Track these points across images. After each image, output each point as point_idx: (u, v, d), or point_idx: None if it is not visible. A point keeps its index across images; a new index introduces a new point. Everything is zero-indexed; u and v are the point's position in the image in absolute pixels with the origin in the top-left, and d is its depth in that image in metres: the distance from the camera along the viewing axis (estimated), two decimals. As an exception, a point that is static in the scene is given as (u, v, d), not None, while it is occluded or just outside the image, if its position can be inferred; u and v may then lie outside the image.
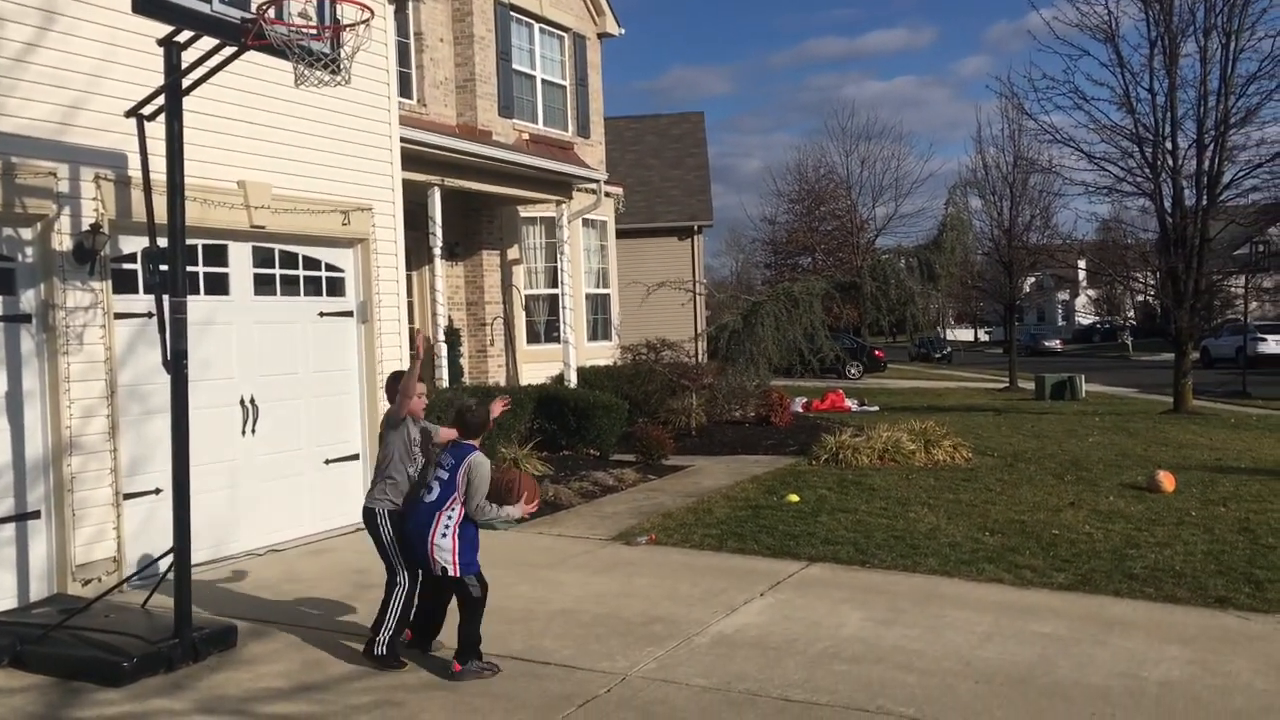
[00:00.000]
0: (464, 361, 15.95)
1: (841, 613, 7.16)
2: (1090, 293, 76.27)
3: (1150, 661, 6.15)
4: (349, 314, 10.09)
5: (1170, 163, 20.64)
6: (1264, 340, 41.29)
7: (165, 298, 6.53)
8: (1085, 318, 79.40)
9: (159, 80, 6.64)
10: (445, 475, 5.94)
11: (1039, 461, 13.84)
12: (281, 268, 9.47)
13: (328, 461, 9.79)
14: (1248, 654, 6.29)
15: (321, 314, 9.84)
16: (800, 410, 21.10)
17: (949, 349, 60.23)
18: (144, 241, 7.17)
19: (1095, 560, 8.41)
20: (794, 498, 11.06)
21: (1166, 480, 11.48)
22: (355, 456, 10.07)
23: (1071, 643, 6.48)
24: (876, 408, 22.93)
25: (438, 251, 14.03)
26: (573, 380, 16.17)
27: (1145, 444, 15.81)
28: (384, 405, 10.11)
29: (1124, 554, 8.59)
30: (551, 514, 10.54)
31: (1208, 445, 15.67)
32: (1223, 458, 14.25)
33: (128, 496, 7.93)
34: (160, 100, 6.60)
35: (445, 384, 13.93)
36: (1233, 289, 36.32)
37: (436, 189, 13.81)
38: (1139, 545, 8.89)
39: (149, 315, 7.71)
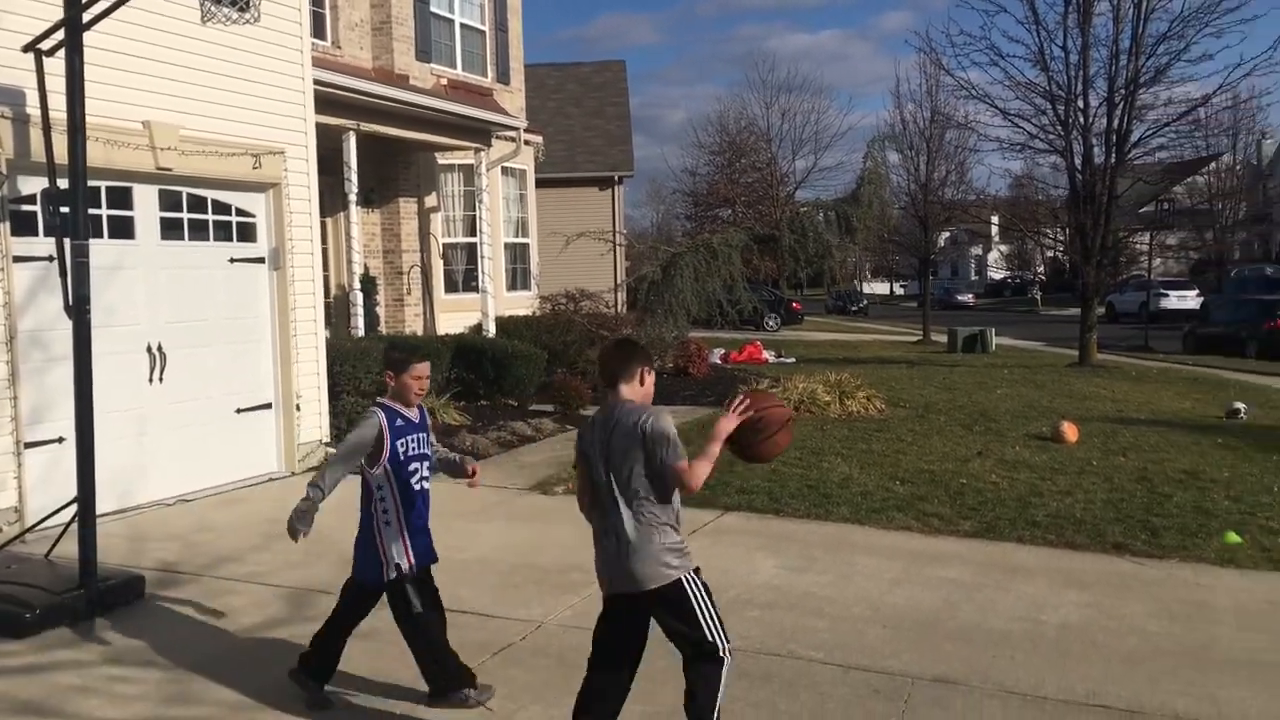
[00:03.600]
0: (380, 310, 15.75)
1: (755, 560, 7.28)
2: (1002, 248, 77.80)
3: (1050, 606, 6.37)
4: (260, 260, 9.87)
5: (1081, 120, 21.08)
6: (1166, 296, 42.69)
7: (66, 241, 6.31)
8: (997, 273, 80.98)
9: (59, 14, 6.37)
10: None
11: (949, 412, 14.16)
12: (190, 212, 9.22)
13: (239, 410, 9.61)
14: (1142, 598, 6.54)
15: (232, 260, 9.61)
16: (718, 361, 21.27)
17: (865, 302, 61.19)
18: (44, 182, 6.91)
19: (1000, 508, 8.66)
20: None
21: (1070, 431, 11.84)
22: (268, 405, 9.91)
23: (975, 588, 6.68)
24: (793, 359, 23.20)
25: (353, 198, 13.78)
26: (491, 330, 16.08)
27: (1051, 396, 16.26)
28: (300, 354, 10.00)
29: (1028, 502, 8.85)
30: (469, 464, 10.49)
31: (1110, 397, 16.17)
32: (1124, 409, 14.72)
33: (29, 445, 7.71)
34: (60, 35, 6.34)
35: (360, 333, 13.75)
36: (1138, 245, 37.38)
37: (352, 134, 13.53)
38: (1042, 494, 9.17)
39: (50, 259, 7.46)
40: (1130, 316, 40.51)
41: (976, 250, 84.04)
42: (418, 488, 4.88)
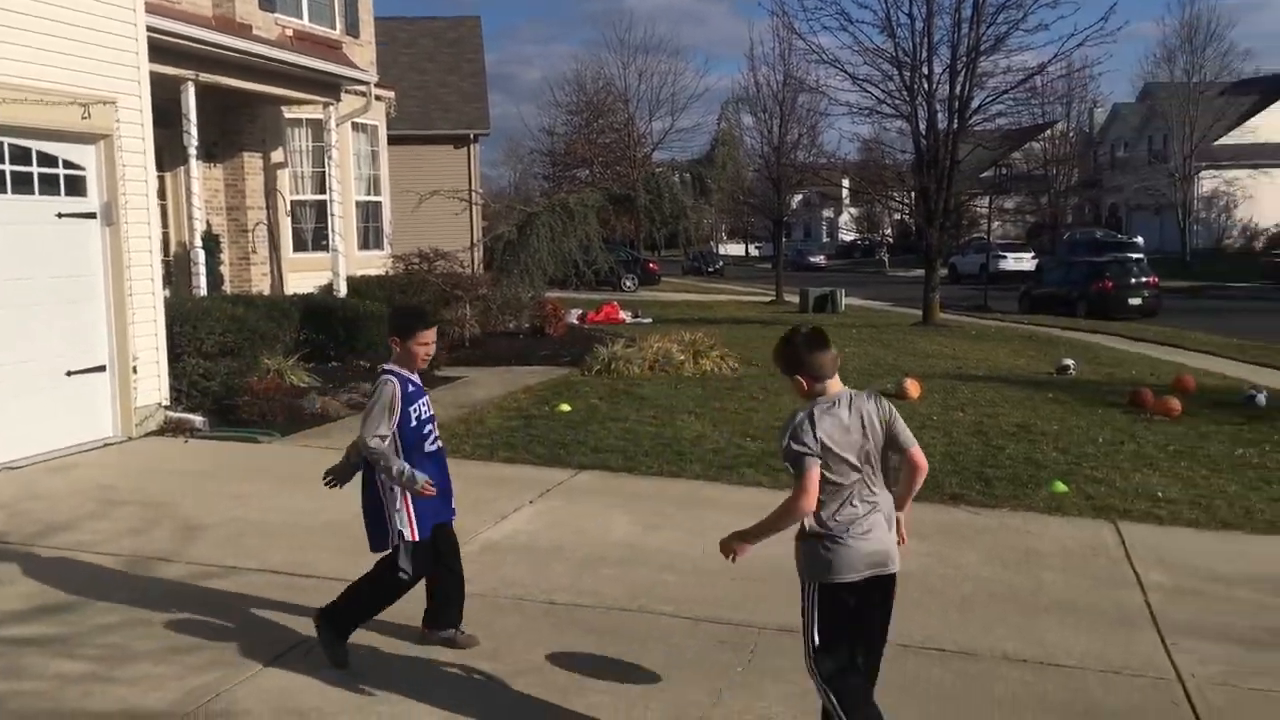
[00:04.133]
0: (224, 269, 15.20)
1: (609, 518, 7.35)
2: (852, 211, 79.87)
3: (891, 555, 6.59)
4: (91, 216, 9.39)
5: (926, 86, 21.71)
6: (1004, 258, 44.57)
7: None
8: (848, 235, 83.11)
9: None
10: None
11: (800, 371, 14.46)
12: (12, 164, 8.69)
13: (71, 373, 9.16)
14: (976, 546, 6.86)
15: (60, 215, 9.11)
16: (575, 322, 21.26)
17: (721, 263, 61.96)
18: None
19: (846, 463, 8.91)
20: (565, 407, 11.19)
21: (913, 387, 12.28)
22: (101, 368, 9.46)
23: (822, 540, 6.87)
24: (650, 320, 23.37)
25: (193, 152, 13.21)
26: (342, 290, 15.69)
27: (896, 354, 16.82)
28: (136, 314, 9.58)
29: (872, 457, 9.13)
30: (319, 426, 10.27)
31: (950, 355, 16.82)
32: (963, 366, 15.33)
33: None
34: None
35: (203, 292, 13.25)
36: (978, 209, 38.82)
37: (190, 84, 12.95)
38: (886, 448, 9.48)
39: None
40: (971, 278, 42.10)
41: (828, 212, 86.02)
42: (432, 449, 4.90)
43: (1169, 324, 23.99)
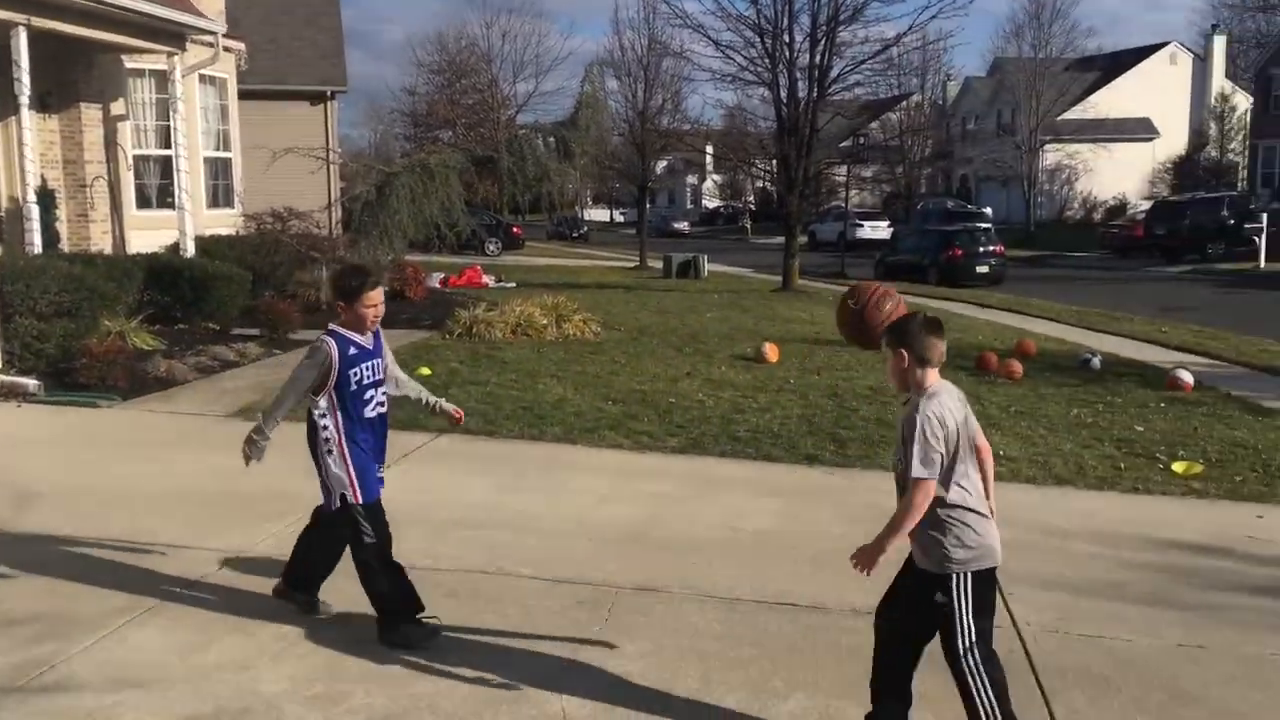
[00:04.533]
0: (61, 226, 14.42)
1: (468, 482, 7.29)
2: (716, 177, 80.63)
3: (748, 514, 6.73)
4: (-89, 166, 8.79)
5: (787, 54, 22.03)
6: (861, 226, 45.61)
7: None
8: (711, 201, 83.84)
9: None
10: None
11: (661, 335, 14.61)
12: None
13: (-111, 335, 8.59)
14: (830, 504, 7.04)
15: (-126, 165, 8.50)
16: (437, 286, 20.97)
17: (585, 228, 61.83)
18: None
19: (706, 425, 9.05)
20: (425, 371, 11.02)
21: (771, 352, 12.50)
22: (-75, 329, 8.90)
23: (680, 500, 6.97)
24: (513, 284, 23.20)
25: (25, 101, 12.42)
26: (190, 250, 15.06)
27: (756, 319, 17.09)
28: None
29: (731, 419, 9.30)
30: (164, 390, 9.89)
31: (808, 320, 17.18)
32: (820, 331, 15.66)
33: None
34: None
35: (37, 250, 12.55)
36: (837, 177, 39.62)
37: (22, 29, 12.16)
38: (744, 410, 9.66)
39: None
40: (830, 245, 42.98)
41: (692, 179, 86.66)
42: (372, 415, 4.71)
43: (1013, 291, 24.94)
